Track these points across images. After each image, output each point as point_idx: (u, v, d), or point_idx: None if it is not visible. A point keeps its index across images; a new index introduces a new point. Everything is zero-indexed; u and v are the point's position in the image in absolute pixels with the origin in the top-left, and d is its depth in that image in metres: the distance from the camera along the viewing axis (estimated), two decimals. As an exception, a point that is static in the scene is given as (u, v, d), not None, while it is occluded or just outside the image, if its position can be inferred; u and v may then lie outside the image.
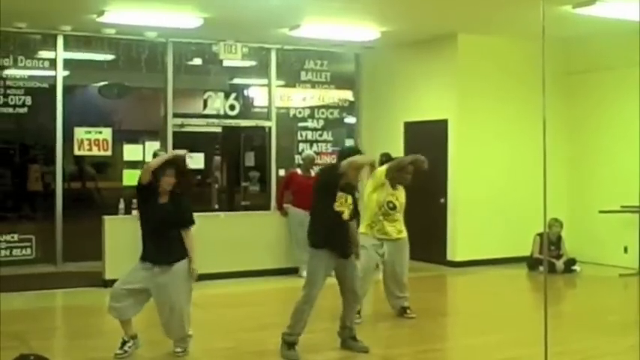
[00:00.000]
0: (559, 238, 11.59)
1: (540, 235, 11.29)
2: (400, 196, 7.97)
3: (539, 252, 11.35)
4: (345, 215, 6.49)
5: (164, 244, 6.28)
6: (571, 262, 11.52)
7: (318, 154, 12.70)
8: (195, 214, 10.45)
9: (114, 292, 6.41)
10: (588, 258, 11.82)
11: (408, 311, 8.01)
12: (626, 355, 6.60)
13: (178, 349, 6.43)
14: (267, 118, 12.89)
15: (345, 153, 6.87)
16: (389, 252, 7.90)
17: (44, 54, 11.40)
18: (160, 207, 6.28)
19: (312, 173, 11.52)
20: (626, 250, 11.53)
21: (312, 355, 6.72)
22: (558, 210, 11.23)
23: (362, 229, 7.69)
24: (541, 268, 11.23)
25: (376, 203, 7.83)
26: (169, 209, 6.28)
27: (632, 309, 9.24)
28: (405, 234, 8.07)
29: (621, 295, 10.45)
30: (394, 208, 7.87)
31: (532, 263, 11.48)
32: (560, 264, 11.36)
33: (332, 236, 6.48)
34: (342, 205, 6.49)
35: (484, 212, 11.90)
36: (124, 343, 6.44)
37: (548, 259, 11.11)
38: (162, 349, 6.60)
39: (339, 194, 6.48)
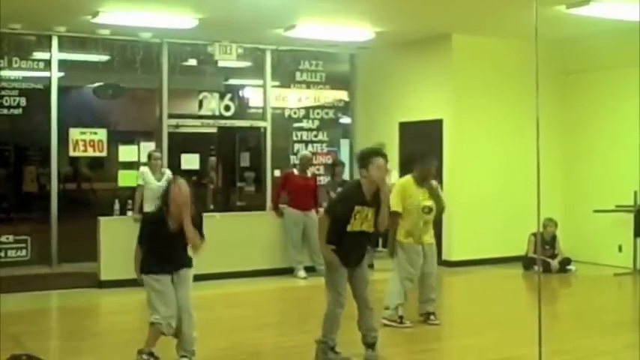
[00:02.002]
0: (554, 237, 11.62)
1: (535, 234, 11.31)
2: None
3: (534, 251, 11.38)
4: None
5: (175, 254, 6.22)
6: (566, 261, 11.55)
7: (313, 154, 12.72)
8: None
9: (166, 314, 6.11)
10: (583, 257, 11.84)
11: (432, 317, 7.83)
12: (622, 353, 6.63)
13: (184, 356, 6.31)
14: (263, 118, 12.90)
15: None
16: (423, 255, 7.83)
17: (39, 55, 11.40)
18: (173, 235, 6.14)
19: (309, 174, 11.55)
20: (620, 249, 11.57)
21: (308, 355, 6.74)
22: (553, 209, 11.26)
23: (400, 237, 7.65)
24: (536, 268, 11.25)
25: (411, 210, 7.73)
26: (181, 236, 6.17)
27: (626, 308, 9.30)
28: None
29: (616, 294, 10.48)
30: (430, 211, 7.78)
31: (527, 263, 11.50)
32: (555, 263, 11.38)
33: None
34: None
35: (479, 212, 11.92)
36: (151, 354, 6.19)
37: (543, 259, 11.15)
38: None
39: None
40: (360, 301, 6.48)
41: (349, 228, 6.25)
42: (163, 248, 6.12)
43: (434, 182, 7.84)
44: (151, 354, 6.15)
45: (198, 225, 6.16)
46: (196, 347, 6.23)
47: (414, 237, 7.68)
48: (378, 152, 6.39)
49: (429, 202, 7.72)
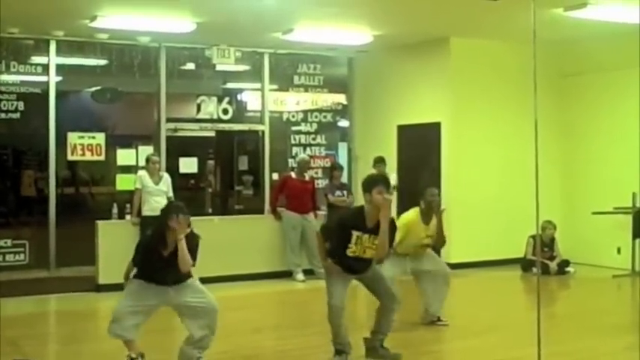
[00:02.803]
0: (552, 239, 11.62)
1: (534, 236, 11.31)
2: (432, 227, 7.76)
3: (533, 254, 11.38)
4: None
5: (168, 275, 6.14)
6: (564, 263, 11.55)
7: (311, 157, 12.73)
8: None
9: (118, 312, 6.15)
10: (582, 259, 11.84)
11: (443, 318, 7.94)
12: (621, 355, 6.63)
13: (199, 354, 6.31)
14: (261, 122, 12.90)
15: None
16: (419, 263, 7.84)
17: (37, 59, 11.40)
18: (168, 260, 6.06)
19: (307, 177, 11.55)
20: (619, 251, 11.57)
21: (306, 359, 6.74)
22: (552, 212, 11.26)
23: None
24: (535, 270, 11.25)
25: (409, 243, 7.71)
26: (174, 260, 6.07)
27: (626, 310, 9.30)
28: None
29: (615, 296, 10.48)
30: (427, 246, 7.80)
31: (526, 265, 11.51)
32: (553, 265, 11.38)
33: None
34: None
35: (478, 214, 11.92)
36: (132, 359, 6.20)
37: (542, 261, 11.14)
38: None
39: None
40: (382, 299, 6.53)
41: (349, 253, 6.26)
42: (157, 270, 6.07)
43: (442, 212, 7.73)
44: (135, 357, 6.16)
45: (193, 249, 6.08)
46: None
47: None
48: (380, 179, 6.45)
49: (429, 240, 7.74)
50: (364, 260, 6.33)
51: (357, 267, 6.36)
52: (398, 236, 7.26)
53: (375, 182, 6.33)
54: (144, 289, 6.13)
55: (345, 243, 6.24)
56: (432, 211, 7.68)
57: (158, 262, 6.01)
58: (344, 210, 10.67)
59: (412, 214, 7.78)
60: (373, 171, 11.36)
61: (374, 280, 6.49)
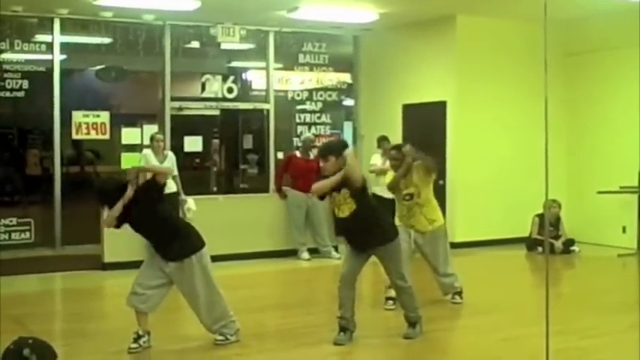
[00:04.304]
0: (558, 219, 11.60)
1: (539, 216, 11.30)
2: (413, 180, 7.67)
3: (538, 233, 11.38)
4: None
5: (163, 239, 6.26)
6: (570, 242, 11.54)
7: (316, 136, 12.71)
8: (194, 197, 10.47)
9: (135, 284, 6.27)
10: (587, 238, 11.84)
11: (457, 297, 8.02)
12: (626, 334, 6.62)
13: (219, 337, 6.38)
14: (266, 100, 12.87)
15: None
16: (422, 243, 7.82)
17: (41, 37, 11.36)
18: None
19: (312, 156, 11.53)
20: (624, 230, 11.56)
21: (311, 337, 6.76)
22: (557, 191, 11.23)
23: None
24: (540, 249, 11.25)
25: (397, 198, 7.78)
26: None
27: (630, 288, 9.28)
28: (438, 223, 7.90)
29: (620, 275, 10.48)
30: (411, 198, 7.72)
31: (531, 244, 11.51)
32: (558, 244, 11.36)
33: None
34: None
35: (483, 194, 11.91)
36: (138, 337, 6.25)
37: (548, 240, 11.14)
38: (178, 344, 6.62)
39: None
40: (391, 279, 6.67)
41: (337, 214, 6.44)
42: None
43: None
44: (140, 337, 6.25)
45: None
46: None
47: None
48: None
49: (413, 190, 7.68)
50: (347, 221, 6.36)
51: (346, 229, 6.51)
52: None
53: (344, 146, 6.51)
54: (153, 262, 6.24)
55: (332, 207, 6.50)
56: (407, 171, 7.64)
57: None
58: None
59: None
60: (379, 150, 11.40)
61: (385, 258, 6.53)
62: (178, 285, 6.28)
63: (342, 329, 6.46)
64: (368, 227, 6.42)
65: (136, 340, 6.23)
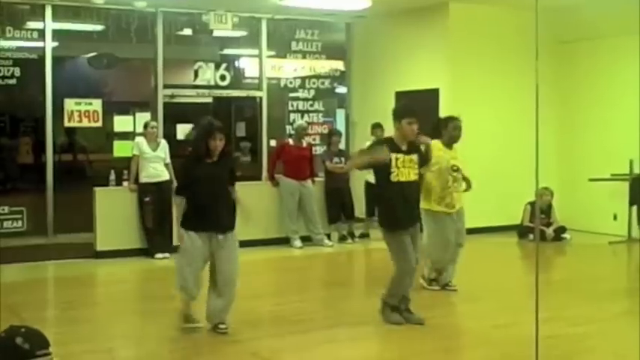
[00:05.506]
0: (549, 206, 11.63)
1: (531, 203, 11.34)
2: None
3: (530, 220, 11.41)
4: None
5: (223, 210, 6.36)
6: (561, 229, 11.58)
7: (309, 124, 12.71)
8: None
9: (182, 274, 6.36)
10: (578, 226, 11.88)
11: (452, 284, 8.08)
12: (615, 321, 6.67)
13: (222, 326, 6.42)
14: (258, 88, 12.86)
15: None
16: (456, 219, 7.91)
17: (33, 24, 11.31)
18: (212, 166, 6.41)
19: (304, 143, 11.53)
20: (615, 217, 11.61)
21: (304, 324, 6.78)
22: (548, 178, 11.25)
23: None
24: (531, 236, 11.29)
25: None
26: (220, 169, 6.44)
27: (621, 276, 9.36)
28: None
29: (611, 263, 10.53)
30: (458, 169, 7.90)
31: (522, 231, 11.54)
32: (550, 232, 11.40)
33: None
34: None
35: (475, 181, 11.87)
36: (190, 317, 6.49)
37: (539, 228, 11.17)
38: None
39: None
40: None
41: (393, 178, 6.35)
42: (202, 186, 6.48)
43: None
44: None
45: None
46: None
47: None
48: (409, 109, 6.85)
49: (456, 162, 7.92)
50: (412, 184, 6.40)
51: (403, 195, 6.38)
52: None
53: (404, 112, 6.68)
54: (196, 250, 6.30)
55: (387, 169, 6.33)
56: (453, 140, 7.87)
57: (203, 171, 6.31)
58: (340, 176, 10.73)
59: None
60: (371, 138, 11.38)
61: (414, 237, 6.57)
62: (219, 257, 6.32)
63: (395, 307, 6.56)
64: (418, 198, 6.62)
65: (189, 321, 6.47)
